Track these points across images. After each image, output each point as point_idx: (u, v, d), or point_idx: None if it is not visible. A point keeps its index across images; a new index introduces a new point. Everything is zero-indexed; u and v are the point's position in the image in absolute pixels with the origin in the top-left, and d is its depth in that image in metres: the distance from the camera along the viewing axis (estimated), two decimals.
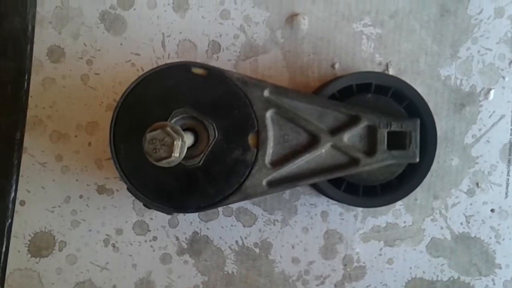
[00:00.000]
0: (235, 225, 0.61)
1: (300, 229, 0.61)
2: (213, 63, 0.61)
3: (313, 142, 0.53)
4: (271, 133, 0.53)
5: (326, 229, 0.61)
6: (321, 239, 0.61)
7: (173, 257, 0.61)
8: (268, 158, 0.53)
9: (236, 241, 0.61)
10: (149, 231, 0.61)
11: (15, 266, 0.61)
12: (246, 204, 0.61)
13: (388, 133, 0.53)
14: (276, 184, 0.53)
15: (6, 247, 0.61)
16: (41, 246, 0.61)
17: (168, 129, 0.44)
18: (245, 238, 0.61)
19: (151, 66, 0.56)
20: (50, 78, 0.61)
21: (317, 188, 0.58)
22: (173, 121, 0.52)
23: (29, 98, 0.61)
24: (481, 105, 0.61)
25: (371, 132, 0.53)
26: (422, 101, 0.56)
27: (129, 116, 0.52)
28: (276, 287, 0.61)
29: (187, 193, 0.53)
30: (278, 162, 0.53)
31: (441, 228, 0.61)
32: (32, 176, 0.61)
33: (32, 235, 0.61)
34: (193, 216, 0.61)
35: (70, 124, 0.61)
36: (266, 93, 0.52)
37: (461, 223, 0.61)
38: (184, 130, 0.53)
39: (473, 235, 0.61)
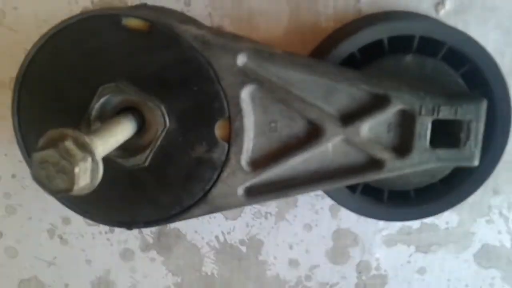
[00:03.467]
0: (215, 217, 0.47)
1: (301, 226, 0.47)
2: None
3: (314, 133, 0.36)
4: (249, 119, 0.36)
5: (336, 227, 0.46)
6: (329, 239, 0.47)
7: (136, 253, 0.49)
8: (245, 156, 0.37)
9: (216, 237, 0.48)
10: None
11: None
12: None
13: (434, 122, 0.35)
14: (258, 193, 0.38)
15: None
16: None
17: (66, 144, 0.28)
18: (228, 233, 0.48)
19: None
20: None
21: (329, 194, 0.42)
22: (100, 101, 0.36)
23: None
24: None
25: (407, 120, 0.35)
26: (491, 64, 0.36)
27: (37, 97, 0.36)
28: None
29: (132, 204, 0.38)
30: (261, 162, 0.37)
31: (499, 232, 0.45)
32: None
33: None
34: None
35: None
36: (241, 59, 0.34)
37: None
38: (123, 110, 0.37)
39: None
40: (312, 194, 0.46)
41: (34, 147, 0.29)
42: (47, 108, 0.36)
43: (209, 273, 0.49)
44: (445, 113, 0.35)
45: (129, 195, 0.38)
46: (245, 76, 0.35)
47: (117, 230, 0.48)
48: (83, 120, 0.36)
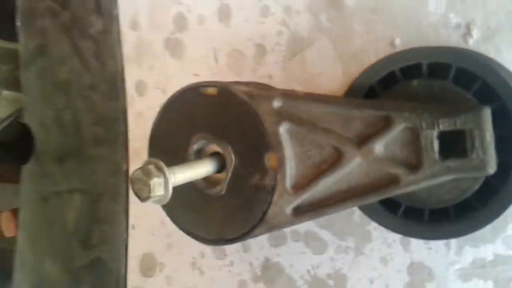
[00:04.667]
0: (304, 252, 0.54)
1: (378, 259, 0.50)
2: (261, 70, 0.56)
3: (338, 157, 0.43)
4: (289, 151, 0.45)
5: (410, 261, 0.48)
6: (405, 273, 0.48)
7: (249, 284, 0.59)
8: (288, 181, 0.45)
9: (308, 271, 0.54)
10: (226, 255, 0.61)
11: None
12: (313, 227, 0.54)
13: (442, 135, 0.38)
14: (302, 212, 0.45)
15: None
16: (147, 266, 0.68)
17: (149, 167, 0.44)
18: (317, 267, 0.54)
19: None
20: (139, 112, 0.68)
21: (369, 215, 0.46)
22: (195, 147, 0.51)
23: (129, 132, 0.70)
24: None
25: (413, 137, 0.39)
26: (497, 76, 0.37)
27: (159, 148, 0.54)
28: None
29: (217, 225, 0.51)
30: (302, 185, 0.45)
31: None
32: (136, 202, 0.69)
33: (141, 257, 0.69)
34: (262, 241, 0.57)
35: None
36: (275, 103, 0.45)
37: None
38: (212, 154, 0.52)
39: None
40: (383, 228, 0.49)
41: None
42: (165, 156, 0.53)
43: None
44: (445, 125, 0.37)
45: (215, 218, 0.51)
46: (280, 116, 0.45)
47: (235, 263, 0.60)
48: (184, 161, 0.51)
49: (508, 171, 0.38)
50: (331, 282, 0.53)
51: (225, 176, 0.50)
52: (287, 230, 0.56)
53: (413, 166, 0.39)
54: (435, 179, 0.39)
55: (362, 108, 0.41)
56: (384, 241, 0.49)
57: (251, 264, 0.59)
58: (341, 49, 0.50)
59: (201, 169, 0.49)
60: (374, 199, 0.41)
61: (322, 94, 0.48)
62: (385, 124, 0.40)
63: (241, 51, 0.57)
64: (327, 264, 0.53)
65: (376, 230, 0.50)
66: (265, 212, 0.48)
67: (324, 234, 0.53)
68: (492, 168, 0.37)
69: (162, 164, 0.44)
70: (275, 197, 0.47)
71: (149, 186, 0.43)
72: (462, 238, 0.45)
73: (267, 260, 0.58)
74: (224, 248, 0.61)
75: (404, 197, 0.43)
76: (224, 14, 0.58)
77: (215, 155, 0.52)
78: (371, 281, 0.50)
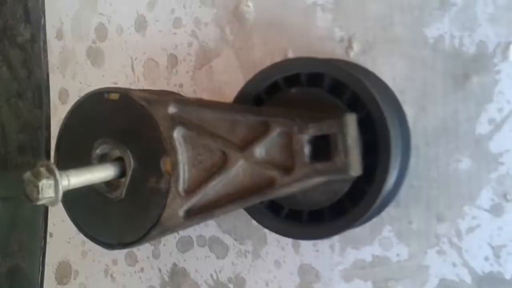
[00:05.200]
0: (209, 257, 0.56)
1: (272, 262, 0.52)
2: (173, 79, 0.58)
3: (225, 161, 0.45)
4: (182, 155, 0.47)
5: (299, 263, 0.50)
6: (296, 275, 0.50)
7: None
8: (182, 185, 0.47)
9: (211, 275, 0.56)
10: (137, 262, 0.62)
11: None
12: (217, 232, 0.55)
13: (314, 140, 0.40)
14: (194, 214, 0.47)
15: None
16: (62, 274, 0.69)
17: (40, 169, 0.45)
18: (219, 271, 0.55)
19: None
20: (61, 119, 0.69)
21: (256, 219, 0.48)
22: (98, 152, 0.52)
23: (51, 140, 0.71)
24: (498, 71, 0.40)
25: (288, 141, 0.42)
26: (363, 87, 0.40)
27: (65, 152, 0.55)
28: None
29: (117, 229, 0.52)
30: (193, 189, 0.47)
31: (454, 265, 0.42)
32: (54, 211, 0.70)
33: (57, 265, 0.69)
34: (171, 246, 0.59)
35: None
36: (170, 109, 0.47)
37: (486, 258, 0.41)
38: (113, 160, 0.53)
39: (508, 277, 0.40)
40: None
41: None
42: (71, 160, 0.55)
43: None
44: (314, 129, 0.40)
45: (115, 222, 0.52)
46: (174, 121, 0.47)
47: (145, 269, 0.61)
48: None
49: (374, 174, 0.41)
50: (231, 286, 0.55)
51: (125, 180, 0.52)
52: (194, 235, 0.57)
53: (287, 168, 0.42)
54: (307, 181, 0.41)
55: (244, 113, 0.44)
56: (278, 244, 0.51)
57: (160, 270, 0.60)
58: (243, 60, 0.53)
59: (100, 173, 0.51)
60: (256, 200, 0.43)
61: (212, 100, 0.50)
62: (264, 129, 0.43)
63: (155, 61, 0.60)
64: (228, 268, 0.55)
65: (271, 233, 0.52)
66: (160, 215, 0.50)
67: (227, 239, 0.55)
68: (355, 170, 0.39)
69: (53, 166, 0.45)
70: (169, 200, 0.49)
71: (37, 187, 0.44)
72: (344, 239, 0.47)
73: (174, 265, 0.59)
74: (135, 254, 0.62)
75: (286, 201, 0.45)
76: (141, 25, 0.60)
77: (118, 160, 0.53)
78: (267, 284, 0.52)
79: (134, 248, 0.60)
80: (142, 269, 0.61)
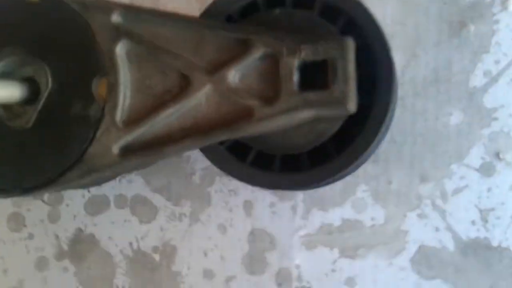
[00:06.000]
0: (130, 220, 0.45)
1: (215, 227, 0.43)
2: None
3: (185, 86, 0.36)
4: (125, 76, 0.37)
5: (250, 228, 0.42)
6: (245, 242, 0.42)
7: (50, 262, 0.47)
8: (120, 114, 0.37)
9: (130, 243, 0.45)
10: (25, 226, 0.48)
11: None
12: (144, 191, 0.45)
13: (304, 65, 0.34)
14: (133, 152, 0.37)
15: None
16: None
17: None
18: (142, 239, 0.45)
19: None
20: None
21: (215, 162, 0.39)
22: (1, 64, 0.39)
23: None
24: (497, 21, 0.38)
25: (273, 65, 0.34)
26: (366, 15, 0.35)
27: None
28: None
29: (16, 169, 0.39)
30: (136, 119, 0.37)
31: (437, 230, 0.38)
32: None
33: None
34: (77, 207, 0.47)
35: None
36: (114, 17, 0.37)
37: (473, 222, 0.38)
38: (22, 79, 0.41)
39: (495, 243, 0.37)
40: (225, 190, 0.43)
41: None
42: None
43: (120, 287, 0.45)
44: (308, 52, 0.33)
45: (14, 159, 0.39)
46: (119, 33, 0.37)
47: (36, 236, 0.48)
48: None
49: (367, 116, 0.36)
50: (156, 257, 0.45)
51: (36, 104, 0.40)
52: (111, 194, 0.46)
53: (270, 98, 0.34)
54: (292, 114, 0.34)
55: (217, 29, 0.35)
56: (225, 206, 0.43)
57: (57, 237, 0.47)
58: None
59: (2, 92, 0.38)
60: (222, 137, 0.35)
61: (173, 12, 0.41)
62: (243, 49, 0.35)
63: None
64: (155, 234, 0.45)
65: (217, 193, 0.43)
66: (84, 151, 0.39)
67: (157, 199, 0.45)
68: (352, 104, 0.33)
69: None
70: (99, 132, 0.38)
71: None
72: (310, 199, 0.41)
73: (79, 231, 0.47)
74: (23, 216, 0.48)
75: (256, 141, 0.38)
76: None
77: (27, 80, 0.41)
78: (205, 253, 0.43)
79: (35, 195, 0.47)
80: (31, 236, 0.48)
